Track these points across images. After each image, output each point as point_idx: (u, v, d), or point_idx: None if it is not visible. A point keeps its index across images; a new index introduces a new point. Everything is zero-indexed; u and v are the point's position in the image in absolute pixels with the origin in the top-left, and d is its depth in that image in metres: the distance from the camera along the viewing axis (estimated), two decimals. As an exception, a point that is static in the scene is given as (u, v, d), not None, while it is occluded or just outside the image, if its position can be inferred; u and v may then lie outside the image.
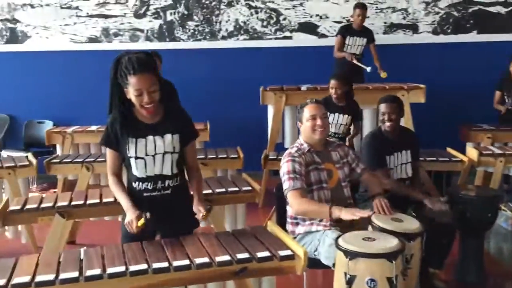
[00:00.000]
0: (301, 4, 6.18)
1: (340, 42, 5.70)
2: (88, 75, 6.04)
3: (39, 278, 2.02)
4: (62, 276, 2.04)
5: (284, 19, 6.21)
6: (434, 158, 4.15)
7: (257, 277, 2.30)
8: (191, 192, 2.50)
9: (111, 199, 3.07)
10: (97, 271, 2.06)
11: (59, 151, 5.05)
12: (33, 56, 6.16)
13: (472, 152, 4.23)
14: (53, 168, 4.20)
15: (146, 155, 2.36)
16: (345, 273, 2.33)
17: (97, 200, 3.14)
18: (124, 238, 2.41)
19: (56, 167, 4.21)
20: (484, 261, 3.49)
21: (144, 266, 2.10)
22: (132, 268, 2.08)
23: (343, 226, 2.66)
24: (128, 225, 2.28)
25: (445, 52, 6.18)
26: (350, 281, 2.32)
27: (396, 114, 3.32)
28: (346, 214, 2.56)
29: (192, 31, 6.23)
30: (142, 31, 6.21)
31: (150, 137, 2.36)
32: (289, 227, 2.89)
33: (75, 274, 2.05)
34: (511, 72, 5.37)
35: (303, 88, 5.15)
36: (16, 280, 2.01)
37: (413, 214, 3.05)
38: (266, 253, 2.20)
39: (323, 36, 6.22)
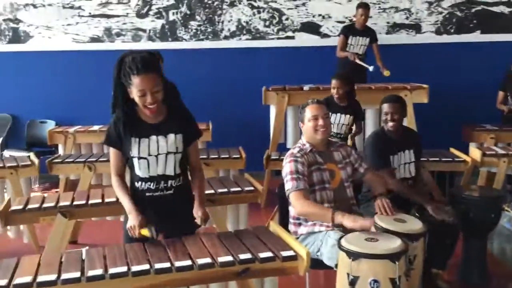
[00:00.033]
0: (303, 4, 6.18)
1: (342, 42, 5.69)
2: (90, 75, 6.05)
3: (40, 279, 2.01)
4: (64, 276, 2.03)
5: (287, 19, 6.20)
6: (437, 159, 4.13)
7: (260, 278, 2.29)
8: (194, 193, 2.49)
9: (113, 199, 3.06)
10: (99, 272, 2.05)
11: (61, 151, 5.05)
12: (35, 56, 6.16)
13: (475, 153, 4.22)
14: (55, 168, 4.20)
15: (149, 155, 2.35)
16: (348, 274, 2.32)
17: (99, 200, 3.13)
18: (126, 239, 2.41)
19: (58, 167, 4.21)
20: (487, 262, 3.48)
21: (146, 266, 2.09)
22: (134, 268, 2.07)
23: (345, 227, 2.65)
24: (130, 230, 2.27)
25: (448, 52, 6.17)
26: (353, 282, 2.31)
27: (399, 114, 3.31)
28: (348, 221, 2.53)
29: (194, 31, 6.23)
30: (144, 31, 6.21)
31: (153, 137, 2.35)
32: (291, 227, 2.88)
33: (77, 274, 2.04)
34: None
35: (306, 88, 5.14)
36: (17, 280, 2.00)
37: (417, 214, 3.03)
38: (268, 254, 2.19)
39: (325, 36, 6.22)
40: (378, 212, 2.81)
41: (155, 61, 2.29)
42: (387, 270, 2.29)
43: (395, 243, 2.38)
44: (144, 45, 6.08)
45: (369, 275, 2.29)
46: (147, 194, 2.40)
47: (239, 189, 3.26)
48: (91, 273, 2.04)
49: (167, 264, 2.10)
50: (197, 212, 2.37)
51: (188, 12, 6.19)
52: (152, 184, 2.39)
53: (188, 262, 2.12)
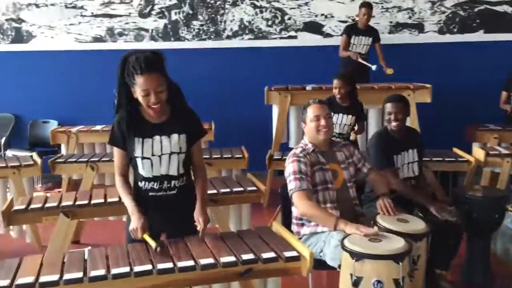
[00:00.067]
0: (306, 4, 6.17)
1: (345, 42, 5.68)
2: (93, 74, 6.06)
3: (43, 279, 2.01)
4: (66, 276, 2.03)
5: (289, 18, 6.19)
6: (440, 158, 4.12)
7: (263, 278, 2.28)
8: (196, 193, 2.48)
9: (116, 199, 3.07)
10: (101, 272, 2.05)
11: (63, 151, 5.05)
12: (38, 55, 6.17)
13: (478, 152, 4.20)
14: (57, 168, 4.20)
15: (153, 155, 2.35)
16: (351, 275, 2.31)
17: (102, 200, 3.13)
18: (129, 239, 2.40)
19: (61, 167, 4.21)
20: (491, 262, 3.47)
21: (148, 266, 2.09)
22: (137, 268, 2.07)
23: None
24: (132, 232, 2.27)
25: (451, 52, 6.15)
26: (356, 282, 2.30)
27: (403, 114, 3.29)
28: (351, 229, 2.52)
29: (197, 30, 6.22)
30: (147, 30, 6.21)
31: (157, 137, 2.35)
32: (294, 227, 2.87)
33: (79, 274, 2.04)
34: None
35: (308, 88, 5.13)
36: (20, 280, 2.00)
37: (420, 214, 3.02)
38: (271, 254, 2.18)
39: (328, 35, 6.20)
40: (380, 212, 2.81)
41: (159, 60, 2.27)
42: (390, 271, 2.28)
43: (399, 244, 2.37)
44: (147, 44, 6.08)
45: (373, 275, 2.28)
46: (151, 193, 2.40)
47: (241, 189, 3.25)
48: (93, 273, 2.04)
49: (170, 265, 2.10)
50: (198, 218, 2.36)
51: (191, 11, 6.19)
52: (155, 184, 2.38)
53: (190, 263, 2.12)
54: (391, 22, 6.20)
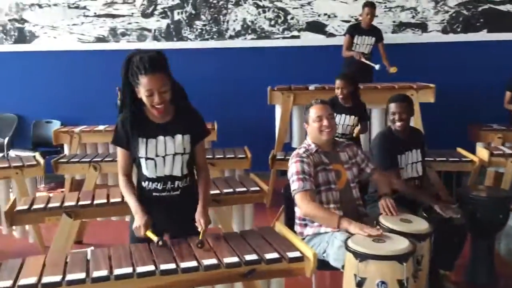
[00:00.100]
0: (309, 3, 6.15)
1: (348, 41, 5.67)
2: (96, 75, 6.06)
3: (45, 280, 2.00)
4: (69, 277, 2.02)
5: (292, 18, 6.18)
6: (444, 158, 4.10)
7: (266, 279, 2.27)
8: (199, 193, 2.47)
9: (118, 199, 3.06)
10: (104, 273, 2.04)
11: (66, 151, 5.05)
12: (41, 56, 6.18)
13: (482, 152, 4.18)
14: (60, 168, 4.20)
15: (157, 156, 2.34)
16: (355, 275, 2.30)
17: (104, 200, 3.12)
18: (133, 239, 2.39)
19: (64, 167, 4.21)
20: (495, 263, 3.45)
21: (151, 267, 2.08)
22: (139, 269, 2.06)
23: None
24: (136, 230, 2.27)
25: (455, 51, 6.13)
26: (360, 283, 2.29)
27: (407, 114, 3.28)
28: (355, 229, 2.51)
29: (199, 30, 6.22)
30: (149, 30, 6.21)
31: (161, 138, 2.34)
32: (297, 228, 2.86)
33: (82, 275, 2.04)
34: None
35: (311, 87, 5.12)
36: (22, 281, 1.99)
37: (424, 215, 3.01)
38: (274, 255, 2.17)
39: (331, 35, 6.19)
40: (382, 213, 2.80)
41: (163, 60, 2.26)
42: (394, 272, 2.27)
43: (403, 244, 2.36)
44: (149, 45, 6.08)
45: (377, 276, 2.27)
46: (154, 194, 2.39)
47: (244, 189, 3.24)
48: (96, 274, 2.03)
49: (173, 265, 2.09)
50: (199, 219, 2.35)
51: (193, 11, 6.18)
52: (159, 184, 2.38)
53: (193, 263, 2.11)
54: (394, 22, 6.19)
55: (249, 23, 6.19)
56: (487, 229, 3.36)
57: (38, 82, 6.18)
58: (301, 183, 2.69)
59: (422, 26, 6.20)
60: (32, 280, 2.00)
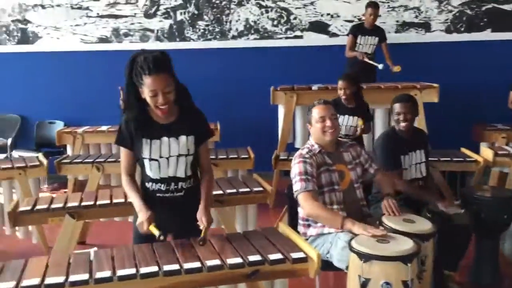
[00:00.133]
0: (312, 3, 6.14)
1: (351, 42, 5.65)
2: (99, 75, 6.06)
3: (48, 280, 2.00)
4: (72, 278, 2.02)
5: (295, 18, 6.17)
6: (448, 158, 4.09)
7: (270, 280, 2.26)
8: (201, 193, 2.46)
9: (121, 200, 3.06)
10: (107, 273, 2.04)
11: (69, 151, 5.06)
12: (44, 56, 6.18)
13: (487, 152, 4.16)
14: (63, 168, 4.20)
15: (161, 157, 2.33)
16: (359, 276, 2.29)
17: (107, 201, 3.12)
18: (136, 239, 2.39)
19: (67, 167, 4.21)
20: (499, 263, 3.44)
21: (154, 268, 2.07)
22: (143, 270, 2.06)
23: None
24: (139, 226, 2.26)
25: (459, 51, 6.11)
26: (364, 284, 2.28)
27: (411, 114, 3.27)
28: (359, 229, 2.50)
29: (202, 30, 6.21)
30: (152, 31, 6.21)
31: (165, 139, 2.33)
32: (300, 228, 2.85)
33: (85, 276, 2.03)
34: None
35: (314, 87, 5.11)
36: (25, 282, 1.99)
37: (428, 215, 3.00)
38: (278, 256, 2.16)
39: (334, 35, 6.18)
40: (385, 213, 2.78)
41: (167, 60, 2.25)
42: (399, 272, 2.25)
43: (407, 245, 2.35)
44: (152, 45, 6.08)
45: (381, 277, 2.26)
46: (158, 194, 2.39)
47: (247, 189, 3.24)
48: (99, 275, 2.03)
49: (176, 266, 2.08)
50: (201, 217, 2.33)
51: (196, 12, 6.18)
52: (162, 185, 2.37)
53: (197, 264, 2.10)
54: (397, 21, 6.17)
55: (252, 23, 6.18)
56: (492, 229, 3.35)
57: (41, 83, 6.18)
58: (304, 184, 2.68)
59: (426, 26, 6.18)
60: (35, 281, 1.99)
